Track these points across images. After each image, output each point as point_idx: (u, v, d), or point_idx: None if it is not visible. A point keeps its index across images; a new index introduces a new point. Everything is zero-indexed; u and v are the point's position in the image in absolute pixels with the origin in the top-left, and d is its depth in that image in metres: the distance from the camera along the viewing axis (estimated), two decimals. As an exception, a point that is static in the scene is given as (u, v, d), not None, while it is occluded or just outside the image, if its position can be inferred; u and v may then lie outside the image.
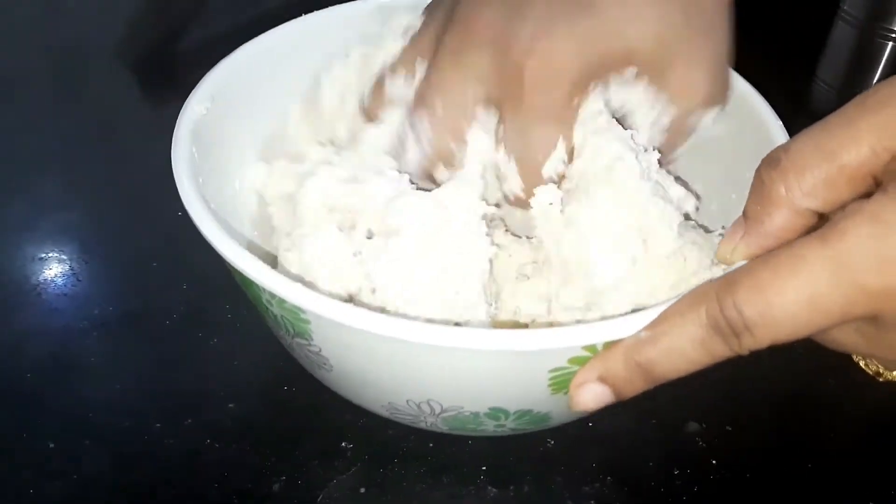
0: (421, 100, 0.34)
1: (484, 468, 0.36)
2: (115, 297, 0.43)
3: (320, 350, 0.30)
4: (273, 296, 0.28)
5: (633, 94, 0.33)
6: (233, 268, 0.29)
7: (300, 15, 0.41)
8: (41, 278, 0.43)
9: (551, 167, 0.33)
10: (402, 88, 0.35)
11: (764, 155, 0.27)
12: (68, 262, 0.44)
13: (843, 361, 0.41)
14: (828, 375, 0.40)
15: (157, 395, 0.38)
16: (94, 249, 0.45)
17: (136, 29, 0.65)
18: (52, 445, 0.36)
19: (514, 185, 0.33)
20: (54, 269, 0.44)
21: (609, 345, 0.27)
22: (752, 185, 0.27)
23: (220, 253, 0.29)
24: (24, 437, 0.37)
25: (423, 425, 0.33)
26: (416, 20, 0.37)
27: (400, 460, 0.36)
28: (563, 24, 0.31)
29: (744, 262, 0.27)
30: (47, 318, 0.42)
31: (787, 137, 0.34)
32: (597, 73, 0.32)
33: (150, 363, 0.40)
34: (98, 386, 0.39)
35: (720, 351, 0.26)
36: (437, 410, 0.31)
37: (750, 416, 0.39)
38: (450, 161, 0.34)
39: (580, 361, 0.28)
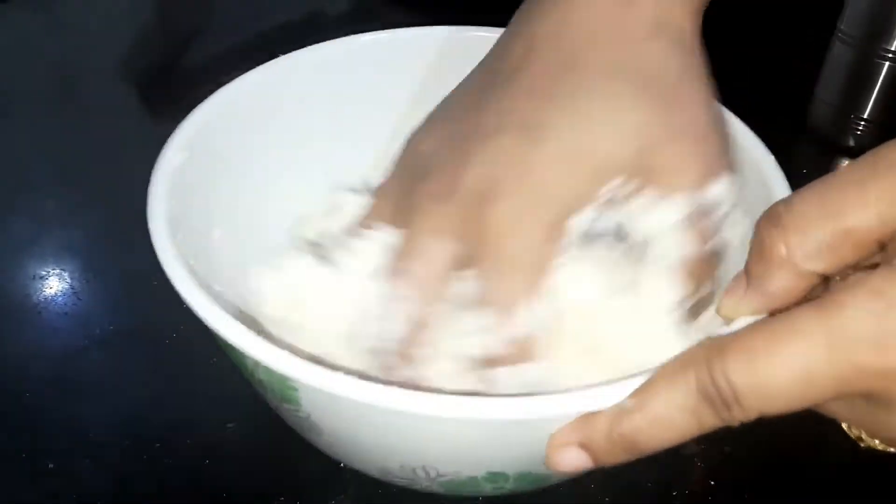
0: (399, 269, 0.32)
1: (483, 489, 0.36)
2: (115, 316, 0.43)
3: (309, 416, 0.29)
4: (257, 363, 0.27)
5: (630, 208, 0.31)
6: (215, 334, 0.27)
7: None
8: (42, 297, 0.44)
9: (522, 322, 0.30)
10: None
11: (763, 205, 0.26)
12: (69, 281, 0.44)
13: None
14: (827, 396, 0.40)
15: (157, 414, 0.38)
16: (95, 267, 0.45)
17: (139, 46, 0.65)
18: (51, 465, 0.36)
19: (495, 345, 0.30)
20: (55, 287, 0.44)
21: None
22: (753, 241, 0.26)
23: (200, 318, 0.28)
24: (24, 456, 0.37)
25: (418, 488, 0.32)
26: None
27: (397, 485, 0.36)
28: (525, 165, 0.29)
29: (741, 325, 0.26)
30: (48, 337, 0.42)
31: (786, 185, 0.32)
32: (569, 208, 0.30)
33: (150, 382, 0.40)
34: (98, 405, 0.39)
35: (710, 421, 0.25)
36: (433, 475, 0.30)
37: (749, 437, 0.38)
38: (425, 327, 0.31)
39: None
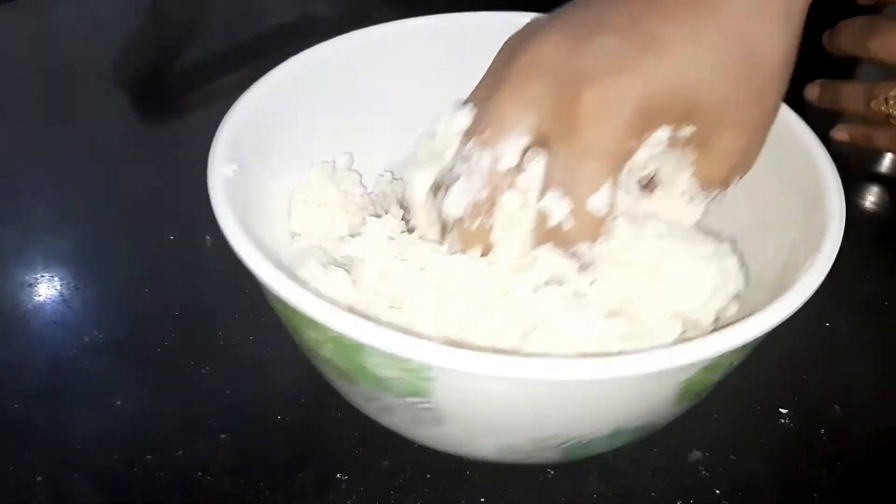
0: (472, 131, 0.33)
1: (483, 499, 0.35)
2: (105, 325, 0.42)
3: (438, 405, 0.29)
4: (392, 358, 0.26)
5: (660, 152, 0.32)
6: (344, 340, 0.27)
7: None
8: (30, 305, 0.43)
9: (599, 203, 0.31)
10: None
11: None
12: (58, 289, 0.43)
13: (848, 387, 0.40)
14: (834, 402, 0.39)
15: (148, 425, 0.38)
16: (85, 275, 0.45)
17: (130, 50, 0.64)
18: (39, 479, 0.35)
19: (563, 220, 0.31)
20: (43, 295, 0.43)
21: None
22: None
23: (338, 331, 0.27)
24: (11, 469, 0.36)
25: (533, 460, 0.32)
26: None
27: (396, 492, 0.35)
28: (630, 60, 0.30)
29: None
30: (36, 346, 0.41)
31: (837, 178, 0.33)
32: (655, 120, 0.31)
33: (141, 392, 0.39)
34: (87, 416, 0.38)
35: None
36: (559, 442, 0.30)
37: (754, 444, 0.38)
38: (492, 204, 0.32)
39: (712, 368, 0.28)
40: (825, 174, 0.33)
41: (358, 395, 0.32)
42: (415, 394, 0.28)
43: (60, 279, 0.44)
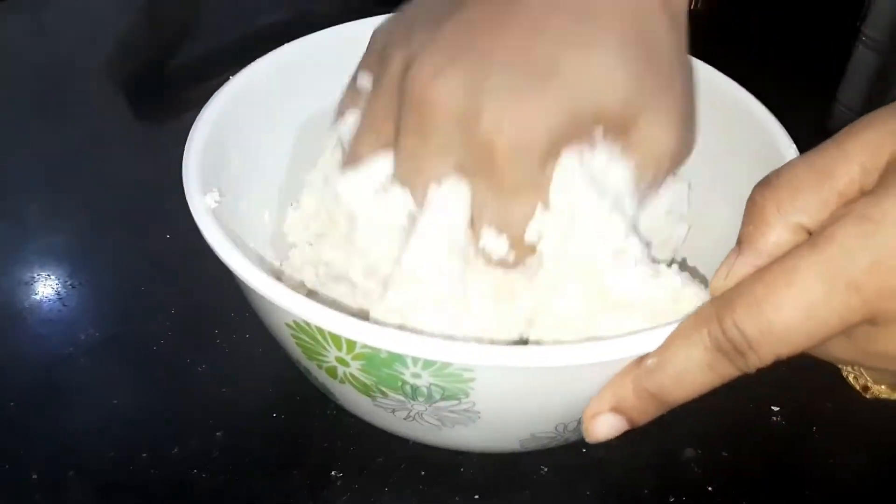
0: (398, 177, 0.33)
1: (476, 497, 0.36)
2: (101, 323, 0.42)
3: (473, 405, 0.29)
4: (429, 364, 0.27)
5: (602, 156, 0.32)
6: (375, 353, 0.27)
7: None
8: (26, 304, 0.43)
9: (532, 231, 0.32)
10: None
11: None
12: (54, 287, 0.44)
13: (841, 385, 0.40)
14: (826, 400, 0.40)
15: (144, 423, 0.38)
16: (81, 273, 0.45)
17: (125, 47, 0.64)
18: (35, 476, 0.35)
19: (497, 249, 0.32)
20: (40, 293, 0.43)
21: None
22: (746, 209, 0.27)
23: (361, 341, 0.27)
24: (7, 467, 0.36)
25: (554, 444, 0.33)
26: None
27: (391, 489, 0.36)
28: (529, 94, 0.30)
29: None
30: (32, 344, 0.41)
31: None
32: (567, 136, 0.31)
33: (137, 390, 0.39)
34: (83, 414, 0.38)
35: (727, 371, 0.26)
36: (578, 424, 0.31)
37: (746, 442, 0.38)
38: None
39: None
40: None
41: (380, 410, 0.31)
42: (451, 396, 0.29)
43: (57, 277, 0.44)
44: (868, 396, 0.32)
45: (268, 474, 0.36)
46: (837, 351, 0.26)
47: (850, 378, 0.32)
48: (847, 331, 0.25)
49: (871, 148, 0.25)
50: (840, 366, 0.32)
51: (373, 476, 0.36)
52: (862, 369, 0.32)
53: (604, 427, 0.28)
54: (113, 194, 0.50)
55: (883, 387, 0.31)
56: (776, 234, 0.26)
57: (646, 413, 0.28)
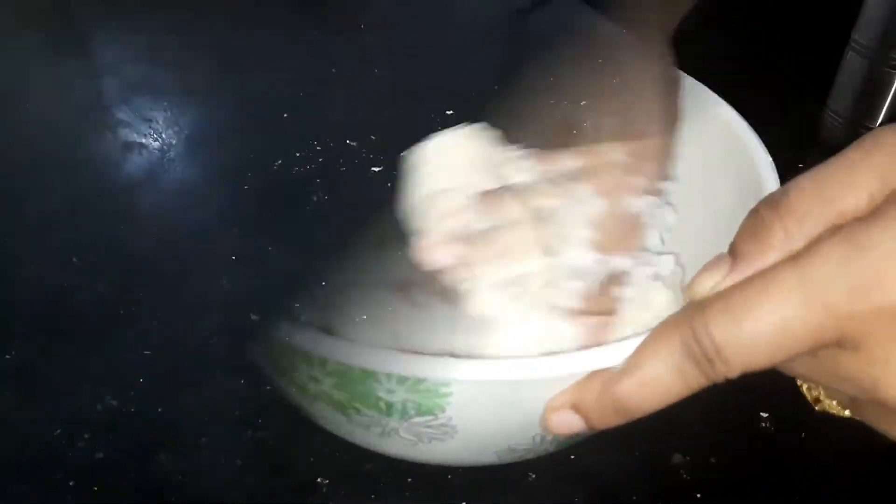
0: None
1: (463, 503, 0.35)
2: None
3: (450, 420, 0.29)
4: (402, 380, 0.27)
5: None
6: (343, 369, 0.27)
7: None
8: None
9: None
10: None
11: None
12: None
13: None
14: (813, 406, 0.40)
15: (127, 430, 0.37)
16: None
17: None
18: (18, 483, 0.35)
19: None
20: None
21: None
22: (747, 223, 0.26)
23: (323, 357, 0.27)
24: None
25: (531, 455, 0.33)
26: None
27: (377, 496, 0.35)
28: None
29: None
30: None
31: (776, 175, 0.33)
32: None
33: (122, 396, 0.39)
34: (64, 419, 0.37)
35: (695, 379, 0.25)
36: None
37: (735, 447, 0.38)
38: None
39: None
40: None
41: (354, 427, 0.31)
42: (427, 412, 0.28)
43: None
44: (817, 409, 0.32)
45: (253, 480, 0.36)
46: (800, 367, 0.26)
47: (804, 388, 0.32)
48: (815, 350, 0.24)
49: (880, 173, 0.24)
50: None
51: (359, 483, 0.36)
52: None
53: (561, 424, 0.28)
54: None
55: (834, 402, 0.31)
56: (776, 258, 0.25)
57: (605, 418, 0.27)
